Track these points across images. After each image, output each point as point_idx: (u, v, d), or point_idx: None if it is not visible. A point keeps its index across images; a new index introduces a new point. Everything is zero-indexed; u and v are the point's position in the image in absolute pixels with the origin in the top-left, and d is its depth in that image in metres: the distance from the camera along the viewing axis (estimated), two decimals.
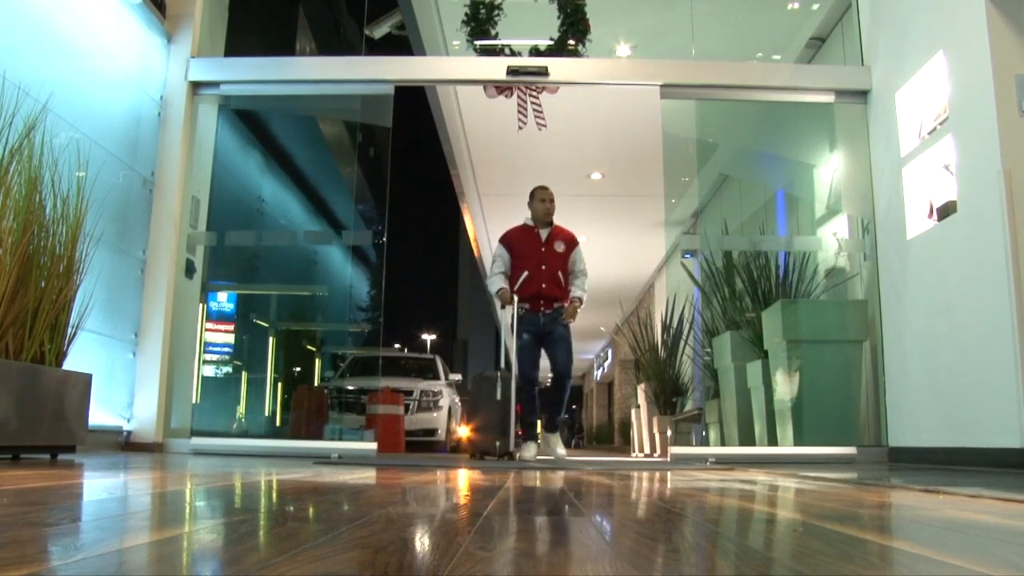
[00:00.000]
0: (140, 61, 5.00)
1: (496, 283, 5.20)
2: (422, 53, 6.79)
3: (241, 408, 9.74)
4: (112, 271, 4.53)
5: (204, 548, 0.99)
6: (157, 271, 4.96)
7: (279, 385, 9.91)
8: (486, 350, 40.06)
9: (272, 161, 11.50)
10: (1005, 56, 3.64)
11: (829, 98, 5.28)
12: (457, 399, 11.91)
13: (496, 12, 5.80)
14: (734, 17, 6.76)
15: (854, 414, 4.88)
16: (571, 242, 5.25)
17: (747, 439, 5.71)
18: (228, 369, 9.78)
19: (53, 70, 4.03)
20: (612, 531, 1.31)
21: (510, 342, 5.08)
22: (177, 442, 4.78)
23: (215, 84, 5.34)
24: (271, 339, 9.98)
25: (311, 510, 1.56)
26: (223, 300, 9.14)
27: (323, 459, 4.26)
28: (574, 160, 8.74)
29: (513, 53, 5.64)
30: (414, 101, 7.61)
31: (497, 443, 4.78)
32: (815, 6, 6.28)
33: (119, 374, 4.73)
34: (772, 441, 5.26)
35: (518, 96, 5.70)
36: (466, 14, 5.84)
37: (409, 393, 9.80)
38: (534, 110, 5.93)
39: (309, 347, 10.53)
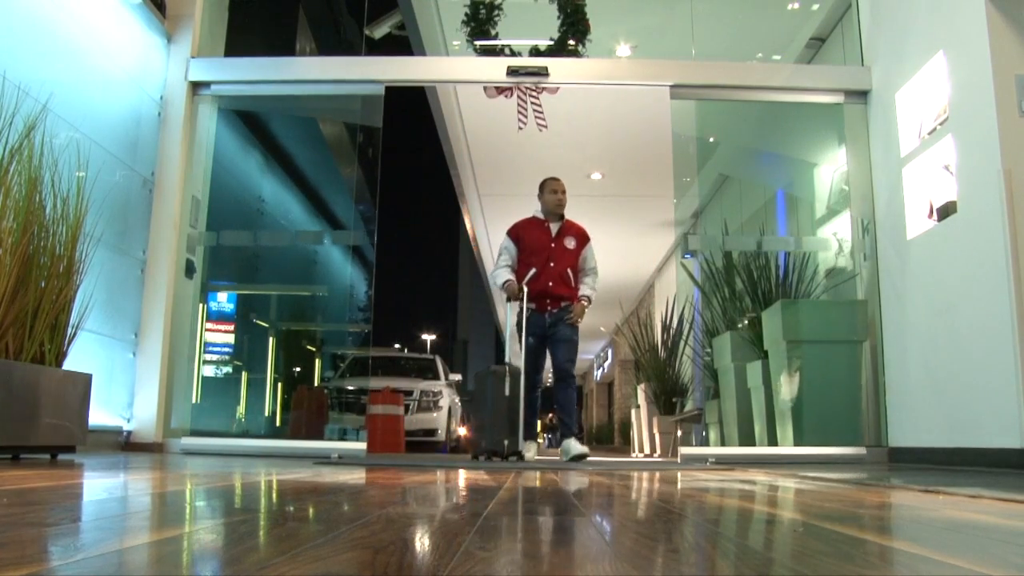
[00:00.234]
0: (140, 61, 5.00)
1: (502, 275, 4.97)
2: (422, 53, 6.79)
3: (241, 408, 9.74)
4: (112, 271, 4.53)
5: (204, 548, 0.99)
6: (157, 271, 4.95)
7: (279, 385, 9.91)
8: (486, 350, 40.06)
9: (272, 161, 11.50)
10: (1005, 56, 3.64)
11: (838, 98, 5.26)
12: (457, 399, 11.92)
13: (496, 12, 5.81)
14: (734, 17, 6.76)
15: (854, 414, 4.88)
16: (582, 238, 5.05)
17: (747, 439, 5.71)
18: (228, 369, 9.77)
19: (53, 70, 4.03)
20: (612, 531, 1.31)
21: (511, 339, 4.97)
22: (177, 442, 4.77)
23: (215, 84, 5.34)
24: (271, 339, 9.98)
25: (311, 510, 1.56)
26: (223, 300, 9.14)
27: (323, 459, 4.26)
28: (574, 160, 8.73)
29: (513, 53, 5.64)
30: (415, 101, 7.62)
31: (505, 442, 4.48)
32: (815, 6, 6.29)
33: (119, 374, 4.73)
34: (772, 442, 5.26)
35: (518, 96, 5.70)
36: (466, 14, 5.85)
37: (409, 393, 9.81)
38: (534, 110, 5.93)
39: (309, 347, 10.53)
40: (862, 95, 5.16)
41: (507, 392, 4.52)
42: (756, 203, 7.98)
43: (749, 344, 5.80)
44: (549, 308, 4.92)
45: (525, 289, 4.85)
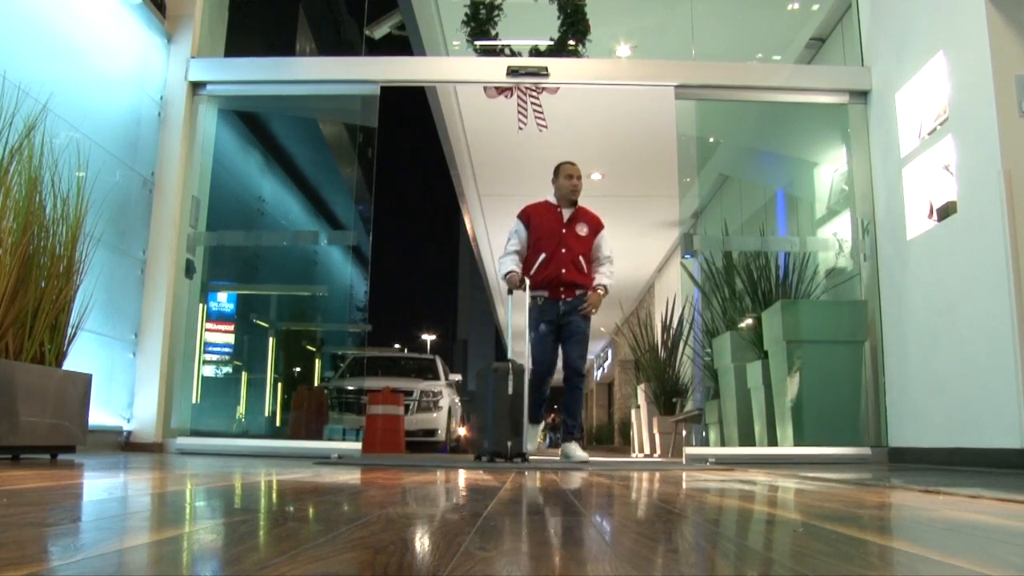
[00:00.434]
0: (140, 61, 5.00)
1: (506, 265, 4.75)
2: (422, 53, 6.79)
3: (241, 408, 9.74)
4: (112, 271, 4.53)
5: (204, 548, 0.99)
6: (157, 271, 4.95)
7: (279, 385, 9.91)
8: (486, 350, 40.08)
9: (272, 161, 11.50)
10: (1005, 56, 3.63)
11: (838, 99, 5.26)
12: (457, 399, 11.92)
13: (496, 12, 5.81)
14: (734, 17, 6.76)
15: (854, 415, 4.88)
16: (596, 225, 4.87)
17: (747, 440, 5.71)
18: (228, 369, 9.77)
19: (53, 70, 4.03)
20: (612, 531, 1.31)
21: (508, 336, 4.86)
22: (177, 442, 4.77)
23: (215, 84, 5.34)
24: (271, 339, 9.98)
25: (311, 510, 1.56)
26: (223, 300, 9.14)
27: (323, 459, 4.26)
28: (574, 160, 8.73)
29: (513, 53, 5.64)
30: (416, 102, 7.62)
31: (509, 443, 4.29)
32: (815, 6, 6.29)
33: (119, 374, 4.73)
34: (772, 442, 5.26)
35: (518, 97, 5.70)
36: (466, 14, 5.85)
37: (409, 393, 9.81)
38: (534, 111, 5.93)
39: (309, 347, 10.54)
40: (862, 95, 5.16)
41: (510, 390, 4.32)
42: (756, 203, 7.98)
43: (749, 344, 5.80)
44: (563, 296, 4.69)
45: (527, 281, 4.68)
